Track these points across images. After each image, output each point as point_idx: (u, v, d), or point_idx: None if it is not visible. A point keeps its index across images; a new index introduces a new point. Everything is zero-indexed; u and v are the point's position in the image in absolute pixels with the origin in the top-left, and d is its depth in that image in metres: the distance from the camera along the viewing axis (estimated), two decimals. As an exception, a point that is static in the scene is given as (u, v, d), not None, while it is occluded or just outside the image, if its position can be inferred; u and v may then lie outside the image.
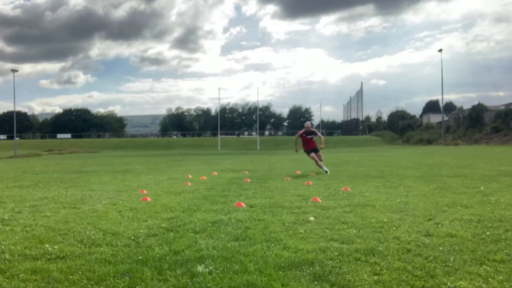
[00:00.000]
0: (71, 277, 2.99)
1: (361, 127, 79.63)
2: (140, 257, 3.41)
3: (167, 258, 3.39)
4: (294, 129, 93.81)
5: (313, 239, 3.93)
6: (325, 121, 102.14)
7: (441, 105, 63.24)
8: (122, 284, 2.85)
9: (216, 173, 12.13)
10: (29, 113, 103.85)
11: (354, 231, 4.20)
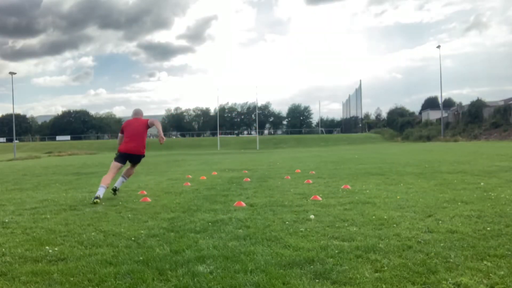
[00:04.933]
0: (72, 279, 2.99)
1: (360, 125, 79.63)
2: (141, 258, 3.41)
3: (168, 258, 3.39)
4: (294, 127, 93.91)
5: (314, 237, 3.93)
6: (325, 119, 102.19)
7: (440, 102, 63.29)
8: (123, 285, 2.85)
9: (216, 173, 12.13)
10: (32, 114, 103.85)
11: (354, 229, 4.21)
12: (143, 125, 7.06)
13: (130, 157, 7.07)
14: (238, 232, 4.23)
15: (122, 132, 7.18)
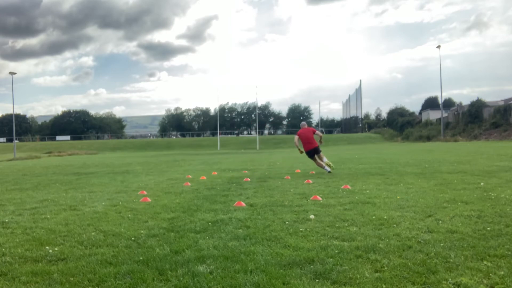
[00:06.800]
0: (72, 278, 2.99)
1: (360, 125, 79.62)
2: (141, 258, 3.41)
3: (168, 258, 3.39)
4: (294, 127, 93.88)
5: (314, 237, 3.93)
6: (325, 119, 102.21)
7: (440, 102, 63.29)
8: (123, 285, 2.85)
9: (216, 173, 12.13)
10: (32, 114, 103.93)
11: (354, 229, 4.21)
12: (312, 132, 11.67)
13: (314, 151, 11.42)
14: (238, 232, 4.23)
15: (299, 136, 11.64)
